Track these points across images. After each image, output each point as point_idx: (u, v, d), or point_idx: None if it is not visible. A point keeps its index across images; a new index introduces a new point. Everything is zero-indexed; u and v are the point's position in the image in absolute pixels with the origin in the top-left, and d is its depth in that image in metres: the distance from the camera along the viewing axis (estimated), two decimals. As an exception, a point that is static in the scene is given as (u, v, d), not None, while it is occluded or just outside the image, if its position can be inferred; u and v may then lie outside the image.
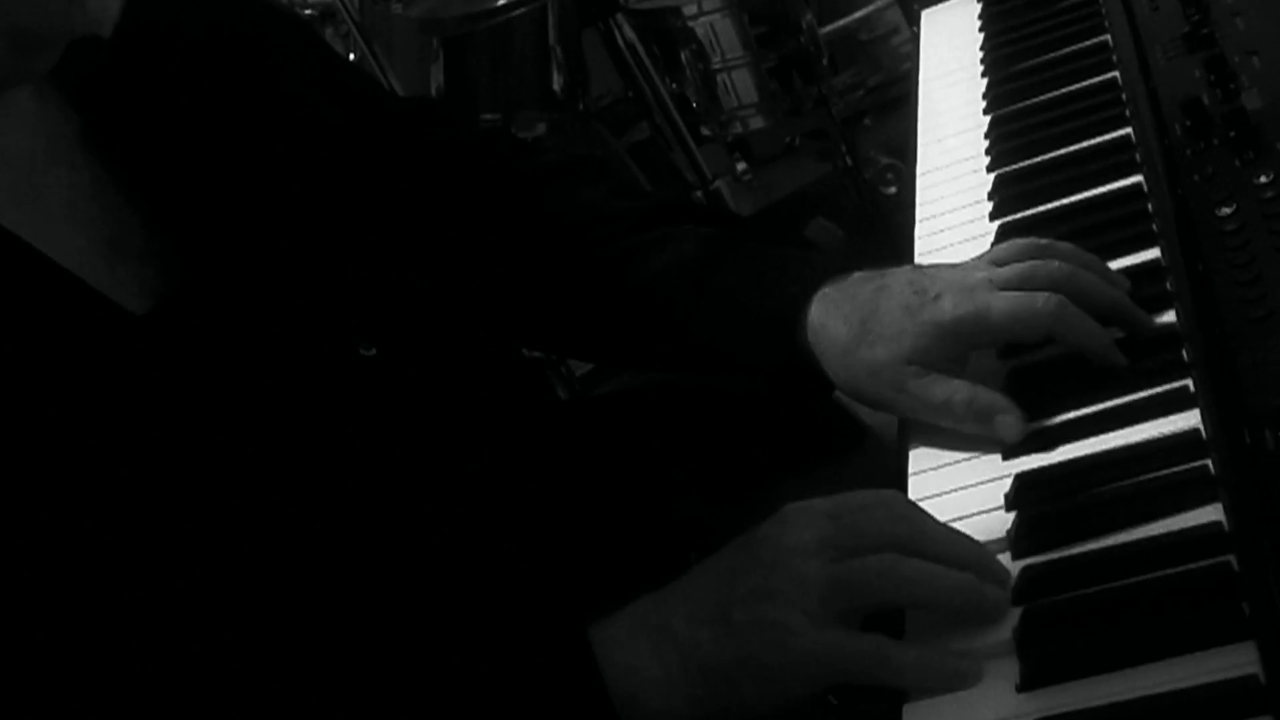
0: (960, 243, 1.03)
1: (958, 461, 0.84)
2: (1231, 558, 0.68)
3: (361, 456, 0.81)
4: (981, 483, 0.82)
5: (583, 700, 0.73)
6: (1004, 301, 0.82)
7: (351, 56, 2.33)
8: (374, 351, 0.84)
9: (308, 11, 2.38)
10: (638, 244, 0.98)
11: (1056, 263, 0.84)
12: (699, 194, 2.18)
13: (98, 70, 0.80)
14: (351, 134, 0.95)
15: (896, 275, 0.87)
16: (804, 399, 0.91)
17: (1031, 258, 0.85)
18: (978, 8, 1.35)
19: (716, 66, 2.19)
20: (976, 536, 0.78)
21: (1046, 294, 0.81)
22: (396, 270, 0.91)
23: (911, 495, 0.84)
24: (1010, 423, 0.81)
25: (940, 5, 1.40)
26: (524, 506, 0.90)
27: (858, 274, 0.89)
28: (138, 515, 0.72)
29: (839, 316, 0.87)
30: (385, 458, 0.83)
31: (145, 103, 0.82)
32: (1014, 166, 1.07)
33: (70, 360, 0.73)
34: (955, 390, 0.83)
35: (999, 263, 0.86)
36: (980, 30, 1.31)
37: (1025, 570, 0.74)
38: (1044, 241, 0.88)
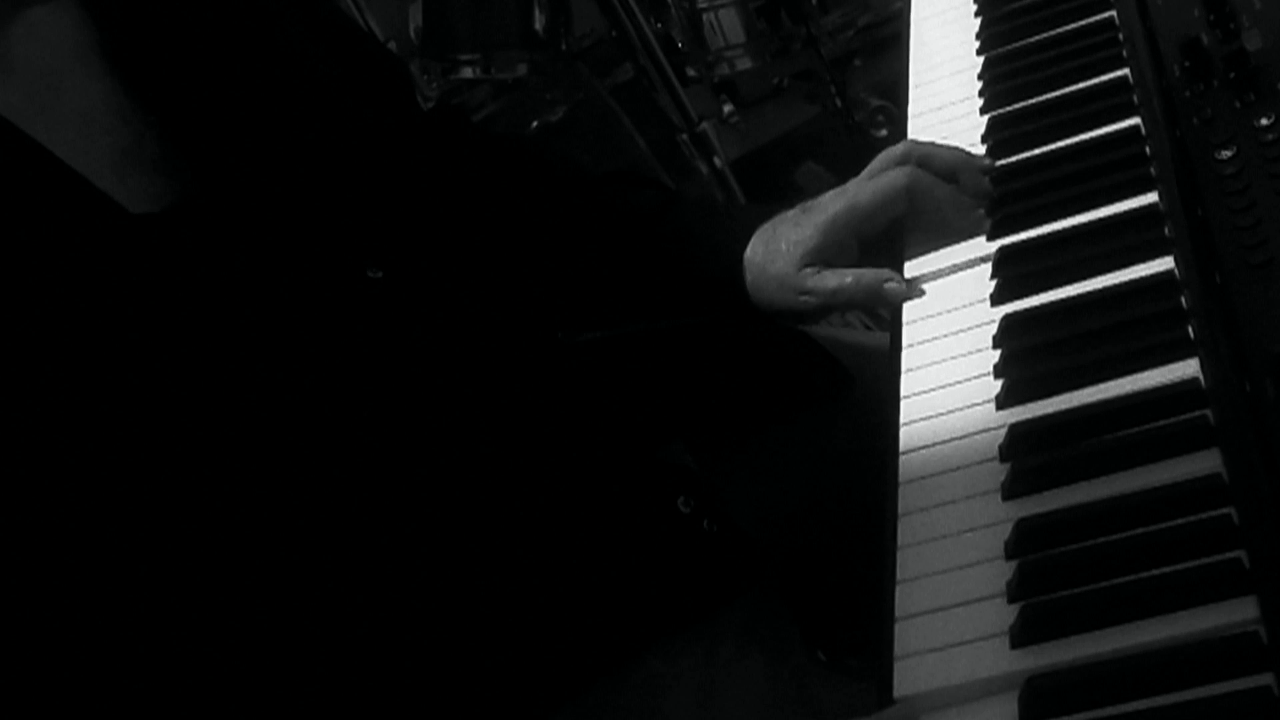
0: (953, 187, 1.01)
1: (950, 411, 0.83)
2: (1231, 510, 0.67)
3: (364, 375, 0.83)
4: (975, 433, 0.80)
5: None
6: (868, 188, 0.96)
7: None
8: (381, 274, 0.86)
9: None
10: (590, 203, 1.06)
11: (900, 147, 0.99)
12: (684, 136, 2.15)
13: None
14: (347, 79, 0.97)
15: (796, 207, 1.00)
16: (739, 322, 1.02)
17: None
18: (970, -55, 1.32)
19: (702, 6, 2.16)
20: (969, 489, 0.77)
21: (898, 170, 0.96)
22: (399, 199, 0.93)
23: (903, 446, 0.83)
24: (895, 288, 0.94)
25: (932, -57, 1.37)
26: (519, 435, 0.91)
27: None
28: (137, 416, 0.74)
29: (755, 248, 0.99)
30: (387, 377, 0.84)
31: (160, 19, 0.85)
32: (1008, 109, 1.05)
33: (74, 259, 0.76)
34: (845, 275, 0.96)
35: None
36: (973, -32, 1.28)
37: (1020, 524, 0.73)
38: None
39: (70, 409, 0.73)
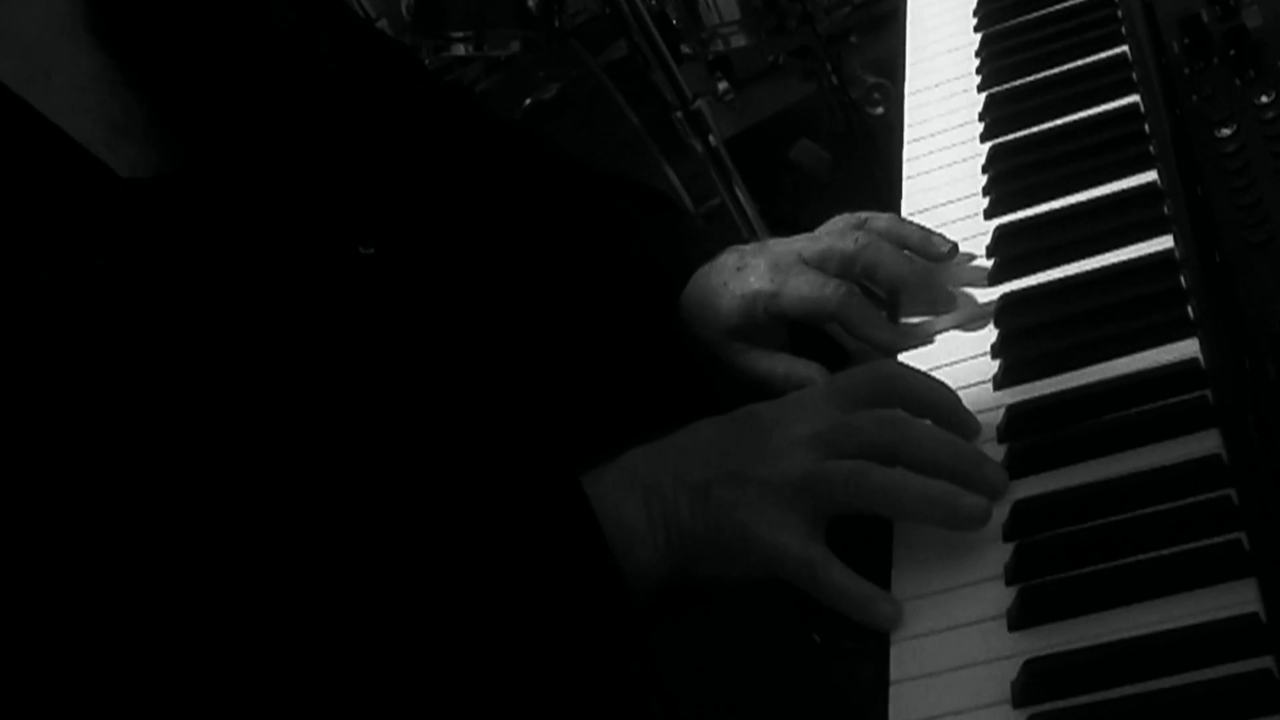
0: (950, 165, 1.01)
1: (948, 392, 0.83)
2: (1231, 491, 0.67)
3: (355, 351, 0.83)
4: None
5: (582, 550, 0.77)
6: (798, 283, 0.88)
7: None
8: (372, 251, 0.86)
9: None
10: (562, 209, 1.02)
11: (854, 240, 0.88)
12: (679, 114, 2.14)
13: None
14: (340, 56, 0.97)
15: (734, 252, 0.92)
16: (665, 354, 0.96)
17: (850, 234, 0.89)
18: (967, -79, 1.31)
19: (697, -18, 2.15)
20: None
21: (837, 282, 0.87)
22: (393, 177, 0.93)
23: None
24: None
25: (929, -82, 1.36)
26: (513, 416, 0.90)
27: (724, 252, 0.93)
28: (126, 385, 0.73)
29: (690, 294, 0.92)
30: (378, 354, 0.84)
31: None
32: (1006, 86, 1.05)
33: (63, 220, 0.75)
34: (775, 365, 0.91)
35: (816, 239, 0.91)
36: (971, -56, 1.27)
37: (1017, 505, 0.72)
38: (863, 215, 0.91)
39: (55, 375, 0.72)
